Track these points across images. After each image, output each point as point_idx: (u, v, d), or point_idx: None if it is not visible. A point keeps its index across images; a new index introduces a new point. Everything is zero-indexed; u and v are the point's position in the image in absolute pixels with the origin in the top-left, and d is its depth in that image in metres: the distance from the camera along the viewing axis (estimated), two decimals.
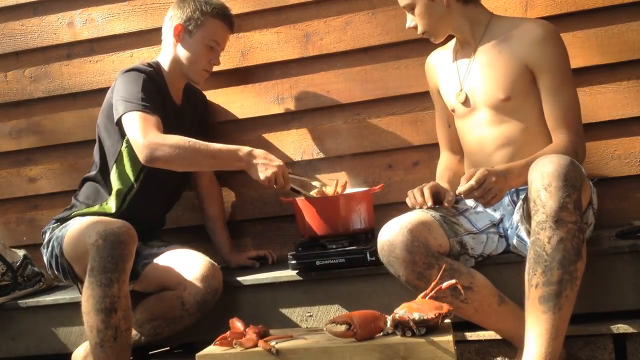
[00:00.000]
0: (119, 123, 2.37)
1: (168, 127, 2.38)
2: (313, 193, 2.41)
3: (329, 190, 2.43)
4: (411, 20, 2.24)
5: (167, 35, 2.54)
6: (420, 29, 2.23)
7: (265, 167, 2.26)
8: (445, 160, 2.43)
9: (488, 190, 1.93)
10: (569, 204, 1.80)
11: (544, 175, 1.82)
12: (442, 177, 2.39)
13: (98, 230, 2.13)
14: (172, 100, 2.54)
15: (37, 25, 2.97)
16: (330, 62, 2.73)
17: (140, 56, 2.87)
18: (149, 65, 2.50)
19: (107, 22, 2.90)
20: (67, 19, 2.94)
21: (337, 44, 2.71)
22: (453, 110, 2.30)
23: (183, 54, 2.50)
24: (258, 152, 2.29)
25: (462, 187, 1.95)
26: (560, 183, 1.80)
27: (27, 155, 3.02)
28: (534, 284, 1.81)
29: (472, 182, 1.93)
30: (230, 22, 2.57)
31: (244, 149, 2.28)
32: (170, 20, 2.53)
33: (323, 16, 2.72)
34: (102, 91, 2.85)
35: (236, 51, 2.78)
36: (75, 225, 2.30)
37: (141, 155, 2.27)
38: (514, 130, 2.17)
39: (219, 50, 2.55)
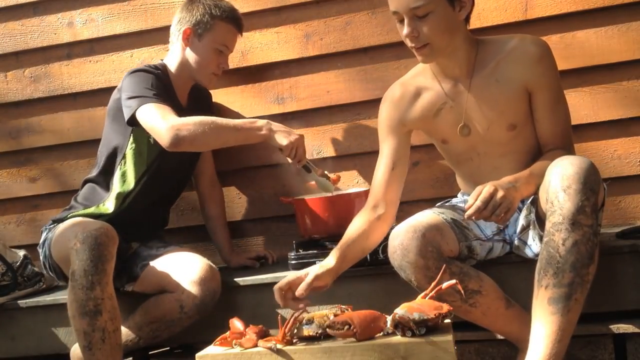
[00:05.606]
0: (132, 121, 2.31)
1: None
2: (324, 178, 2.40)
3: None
4: (412, 28, 1.95)
5: (175, 38, 2.51)
6: (424, 39, 1.96)
7: (287, 134, 2.29)
8: (363, 220, 2.11)
9: (498, 205, 1.84)
10: (586, 207, 1.77)
11: (564, 177, 1.78)
12: (351, 240, 2.08)
13: (76, 233, 2.12)
14: (178, 101, 2.50)
15: (37, 25, 2.97)
16: (330, 62, 2.73)
17: (140, 56, 2.87)
18: (155, 67, 2.46)
19: (107, 22, 2.90)
20: (67, 19, 2.94)
21: (337, 44, 2.71)
22: (444, 141, 2.18)
23: (192, 57, 2.48)
24: (276, 123, 2.32)
25: (469, 211, 1.86)
26: (580, 186, 1.77)
27: (27, 155, 3.01)
28: (544, 284, 1.78)
29: (478, 202, 1.85)
30: (239, 24, 2.54)
31: (262, 120, 2.32)
32: (179, 23, 2.49)
33: (323, 16, 2.72)
34: (102, 91, 2.87)
35: (236, 51, 2.76)
36: (60, 228, 2.30)
37: (165, 139, 2.21)
38: (515, 157, 2.10)
39: (228, 54, 2.54)
